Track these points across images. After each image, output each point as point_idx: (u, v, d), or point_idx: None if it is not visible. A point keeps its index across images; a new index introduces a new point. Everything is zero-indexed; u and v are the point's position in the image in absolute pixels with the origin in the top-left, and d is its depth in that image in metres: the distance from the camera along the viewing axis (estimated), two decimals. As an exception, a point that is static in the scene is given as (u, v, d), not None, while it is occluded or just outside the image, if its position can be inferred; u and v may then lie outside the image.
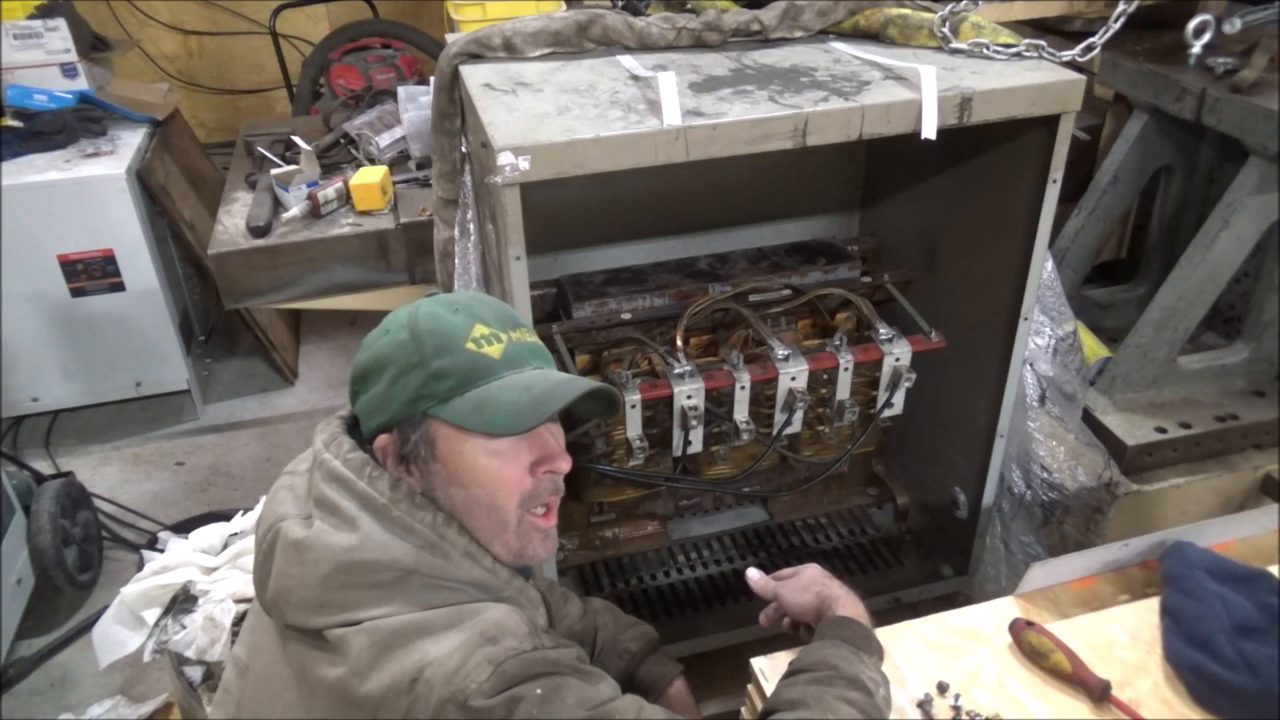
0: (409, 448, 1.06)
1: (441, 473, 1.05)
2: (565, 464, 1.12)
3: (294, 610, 1.02)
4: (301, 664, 1.02)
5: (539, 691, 0.95)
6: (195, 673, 1.75)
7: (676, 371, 1.63)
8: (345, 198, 2.63)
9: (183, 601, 1.84)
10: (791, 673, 1.15)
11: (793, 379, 1.66)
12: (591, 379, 1.16)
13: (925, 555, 2.03)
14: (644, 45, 1.61)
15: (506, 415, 1.03)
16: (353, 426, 1.12)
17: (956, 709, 1.22)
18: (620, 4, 1.80)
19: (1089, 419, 2.00)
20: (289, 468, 1.15)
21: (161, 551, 1.99)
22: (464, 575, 1.04)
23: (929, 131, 1.36)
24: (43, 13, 3.11)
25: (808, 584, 1.29)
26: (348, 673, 0.96)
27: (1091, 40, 1.48)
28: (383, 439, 1.07)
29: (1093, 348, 2.10)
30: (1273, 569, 1.33)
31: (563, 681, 0.98)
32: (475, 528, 1.07)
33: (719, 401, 1.68)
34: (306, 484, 1.09)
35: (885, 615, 1.30)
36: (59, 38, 3.11)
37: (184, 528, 2.50)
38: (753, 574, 1.35)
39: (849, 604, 1.23)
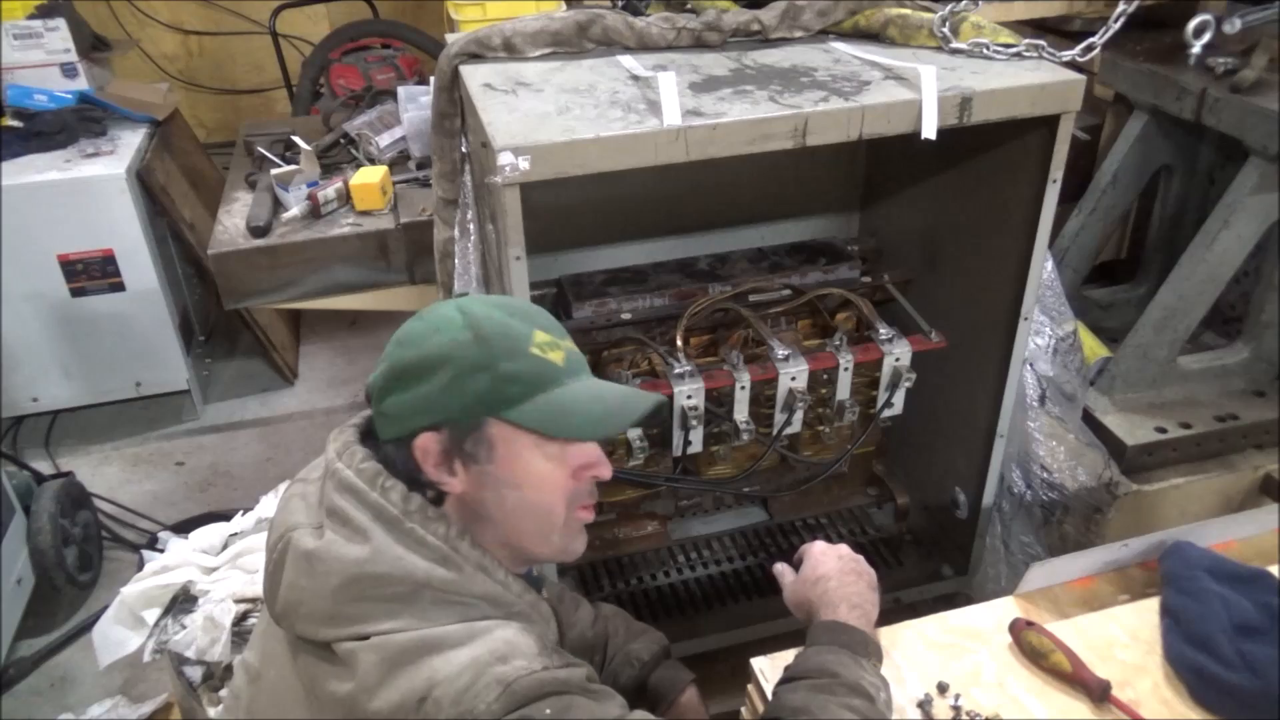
0: (462, 449, 1.04)
1: (497, 474, 1.05)
2: (607, 470, 1.12)
3: (304, 622, 1.02)
4: (311, 677, 1.01)
5: (548, 711, 0.95)
6: (195, 673, 1.75)
7: (676, 371, 1.63)
8: (345, 198, 2.63)
9: (183, 601, 1.84)
10: (789, 678, 1.15)
11: (793, 379, 1.66)
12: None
13: (925, 555, 2.03)
14: (644, 45, 1.61)
15: (588, 422, 1.05)
16: (364, 435, 1.11)
17: (956, 709, 1.22)
18: (620, 4, 1.80)
19: (1089, 419, 2.00)
20: (301, 474, 1.14)
21: (161, 551, 2.00)
22: (476, 589, 1.03)
23: (929, 131, 1.36)
24: (43, 13, 3.11)
25: (810, 578, 1.28)
26: (356, 689, 0.96)
27: (1091, 40, 1.48)
28: (428, 438, 1.04)
29: (1093, 348, 2.10)
30: (1273, 569, 1.33)
31: (572, 701, 0.97)
32: (522, 529, 1.08)
33: (719, 401, 1.68)
34: (319, 493, 1.07)
35: (885, 615, 1.30)
36: (59, 38, 3.11)
37: (184, 528, 2.50)
38: (777, 567, 1.37)
39: (844, 609, 1.23)
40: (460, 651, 0.96)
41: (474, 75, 1.51)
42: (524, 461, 1.05)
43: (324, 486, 1.07)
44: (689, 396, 1.62)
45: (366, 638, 0.97)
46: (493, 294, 1.63)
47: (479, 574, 1.04)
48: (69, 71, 3.16)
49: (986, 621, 1.35)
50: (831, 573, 1.28)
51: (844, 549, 1.32)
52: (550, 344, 1.07)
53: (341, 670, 0.97)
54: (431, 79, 1.72)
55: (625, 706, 1.03)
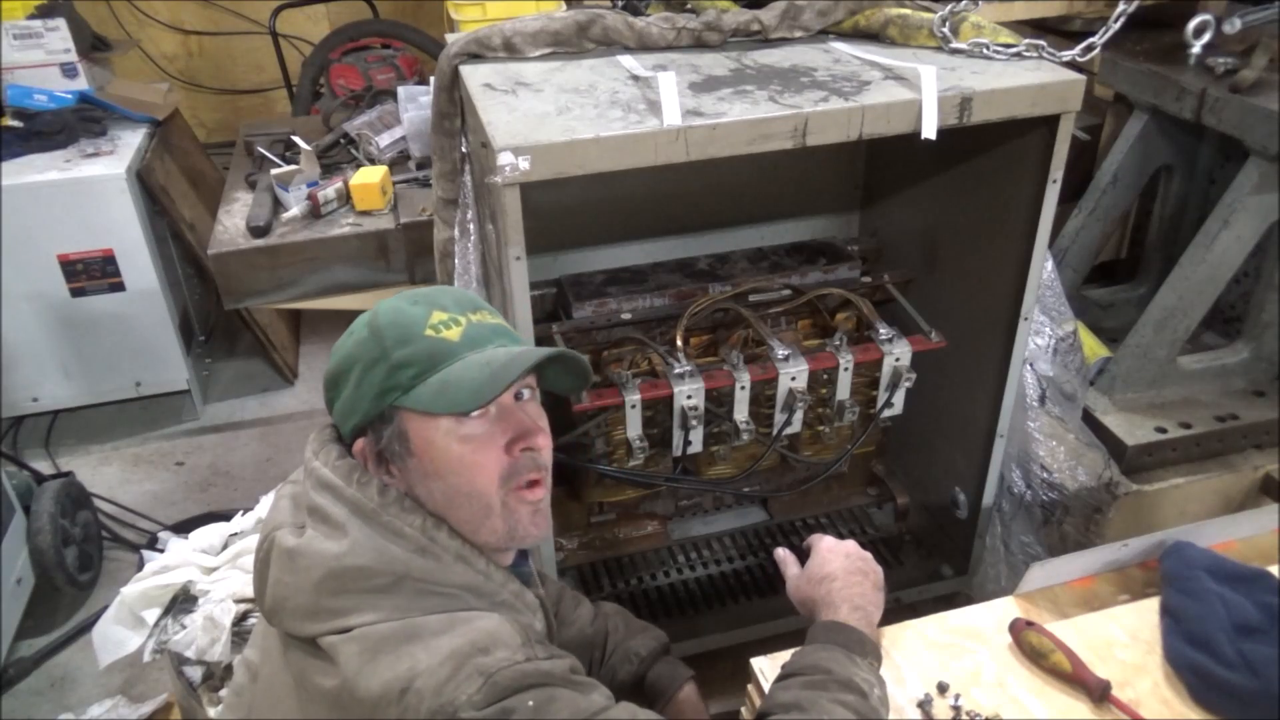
0: (384, 445, 1.05)
1: (418, 466, 1.04)
2: (543, 440, 1.09)
3: (289, 618, 1.02)
4: (300, 671, 1.02)
5: (531, 703, 0.94)
6: (195, 673, 1.75)
7: (676, 371, 1.63)
8: (345, 198, 2.63)
9: (183, 601, 1.84)
10: (784, 675, 1.16)
11: (793, 379, 1.66)
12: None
13: (925, 555, 2.03)
14: (644, 45, 1.61)
15: (468, 391, 1.01)
16: (341, 435, 1.12)
17: (956, 709, 1.22)
18: (620, 4, 1.80)
19: (1089, 419, 2.00)
20: (292, 476, 1.15)
21: (161, 551, 1.99)
22: (457, 579, 1.03)
23: (929, 131, 1.36)
24: (43, 13, 3.11)
25: (815, 577, 1.28)
26: (340, 682, 0.96)
27: (1091, 40, 1.48)
28: (360, 442, 1.07)
29: (1093, 348, 2.10)
30: (1273, 569, 1.33)
31: (555, 693, 0.97)
32: (460, 519, 1.06)
33: (719, 401, 1.68)
34: (304, 492, 1.09)
35: (885, 615, 1.30)
36: (59, 38, 3.11)
37: (184, 528, 2.50)
38: (780, 552, 1.38)
39: (845, 610, 1.23)
40: (441, 641, 0.96)
41: (474, 75, 1.51)
42: (439, 447, 1.03)
43: (304, 486, 1.07)
44: (689, 396, 1.62)
45: (349, 630, 0.98)
46: (493, 294, 1.63)
47: (458, 564, 1.04)
48: (69, 71, 3.16)
49: (986, 621, 1.35)
50: (837, 572, 1.27)
51: (851, 546, 1.32)
52: (447, 321, 1.05)
53: (326, 665, 0.98)
54: (431, 79, 1.72)
55: (610, 697, 1.03)
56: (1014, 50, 1.50)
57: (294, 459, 3.14)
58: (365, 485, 1.04)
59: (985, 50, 1.51)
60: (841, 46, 1.61)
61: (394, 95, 3.01)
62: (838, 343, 1.70)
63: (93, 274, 2.96)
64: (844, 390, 1.73)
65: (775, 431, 1.72)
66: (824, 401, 1.76)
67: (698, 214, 2.00)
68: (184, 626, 1.78)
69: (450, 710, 0.92)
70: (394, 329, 1.04)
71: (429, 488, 1.05)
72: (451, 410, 1.02)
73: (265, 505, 2.08)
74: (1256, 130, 1.83)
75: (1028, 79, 1.42)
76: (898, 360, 1.72)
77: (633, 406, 1.61)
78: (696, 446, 1.69)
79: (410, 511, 1.04)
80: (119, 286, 3.00)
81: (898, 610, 1.87)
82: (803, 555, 1.35)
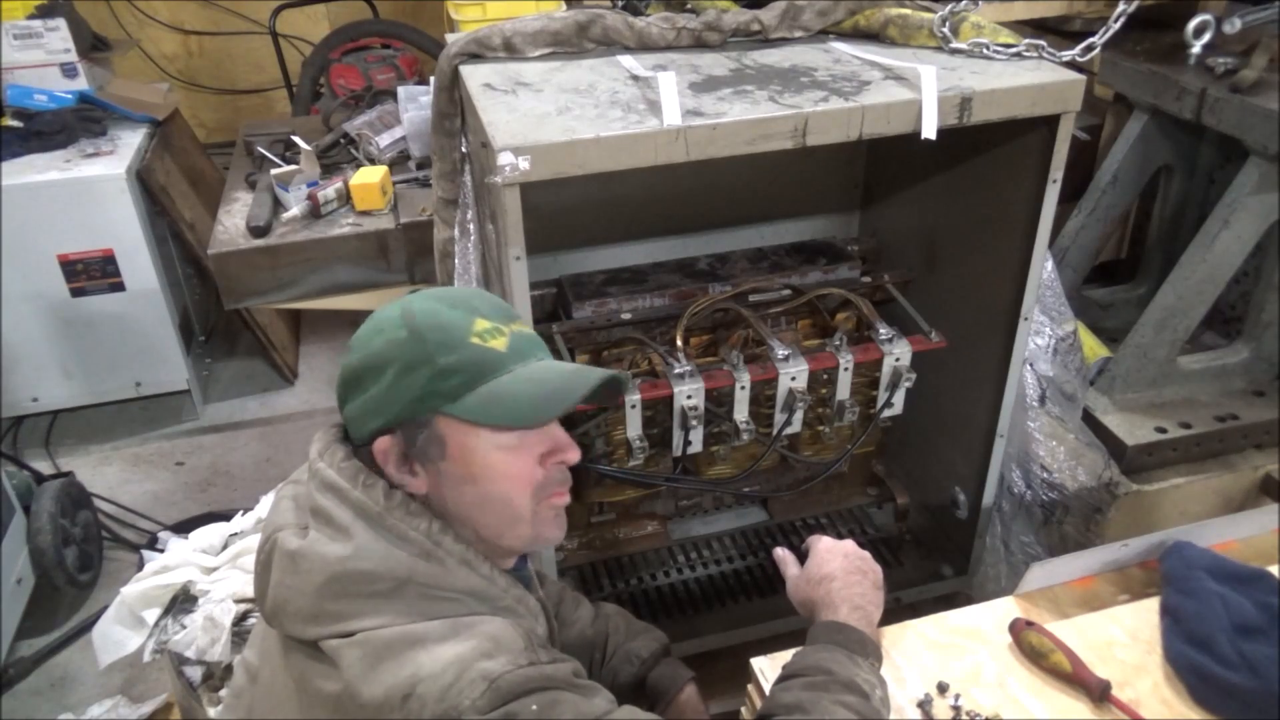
0: (416, 448, 1.04)
1: (452, 471, 1.04)
2: (574, 454, 1.11)
3: (291, 621, 1.02)
4: (301, 674, 1.02)
5: (534, 707, 0.94)
6: (195, 673, 1.75)
7: (676, 371, 1.63)
8: (345, 198, 2.63)
9: (183, 601, 1.84)
10: (785, 676, 1.16)
11: (793, 379, 1.66)
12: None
13: (925, 555, 2.03)
14: (644, 45, 1.61)
15: (525, 408, 1.02)
16: (347, 436, 1.11)
17: (956, 709, 1.22)
18: (620, 4, 1.80)
19: (1089, 419, 2.00)
20: (294, 476, 1.14)
21: (161, 551, 1.99)
22: (460, 584, 1.03)
23: (929, 131, 1.36)
24: (43, 13, 3.11)
25: (814, 577, 1.29)
26: (342, 686, 0.96)
27: (1091, 40, 1.48)
28: (384, 441, 1.05)
29: (1093, 348, 2.10)
30: (1273, 569, 1.33)
31: (559, 696, 0.97)
32: (487, 523, 1.06)
33: (719, 401, 1.68)
34: (307, 494, 1.08)
35: (885, 615, 1.30)
36: (59, 38, 3.11)
37: (184, 528, 2.50)
38: (779, 552, 1.38)
39: (845, 610, 1.23)
40: (444, 646, 0.96)
41: (474, 75, 1.51)
42: (477, 455, 1.03)
43: (308, 487, 1.07)
44: (689, 396, 1.62)
45: (351, 635, 0.97)
46: (493, 294, 1.63)
47: (462, 568, 1.04)
48: (69, 71, 3.16)
49: (986, 621, 1.35)
50: (836, 572, 1.27)
51: (850, 546, 1.32)
52: (491, 331, 1.05)
53: (328, 669, 0.98)
54: (431, 79, 1.72)
55: (612, 701, 1.03)
56: (1014, 50, 1.50)
57: (294, 459, 3.14)
58: (371, 488, 1.03)
59: (985, 50, 1.51)
60: (841, 46, 1.62)
61: (394, 95, 3.01)
62: (838, 343, 1.70)
63: (93, 274, 2.96)
64: (844, 390, 1.73)
65: (775, 431, 1.72)
66: (824, 401, 1.76)
67: (698, 214, 2.00)
68: (184, 626, 1.78)
69: (454, 715, 0.92)
70: (438, 333, 1.03)
71: (460, 491, 1.05)
72: (507, 424, 1.03)
73: (265, 505, 2.08)
74: (1256, 130, 1.83)
75: (1028, 79, 1.42)
76: (898, 360, 1.72)
77: (633, 406, 1.61)
78: (696, 446, 1.69)
79: (415, 515, 1.03)
80: (119, 286, 3.00)
81: (898, 610, 1.87)
82: (802, 555, 1.35)
